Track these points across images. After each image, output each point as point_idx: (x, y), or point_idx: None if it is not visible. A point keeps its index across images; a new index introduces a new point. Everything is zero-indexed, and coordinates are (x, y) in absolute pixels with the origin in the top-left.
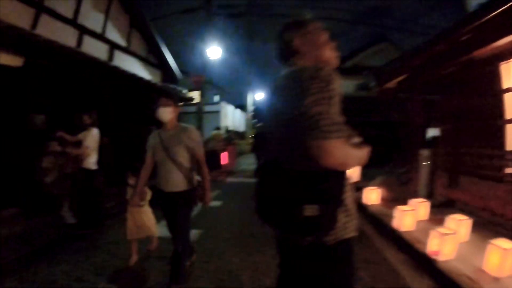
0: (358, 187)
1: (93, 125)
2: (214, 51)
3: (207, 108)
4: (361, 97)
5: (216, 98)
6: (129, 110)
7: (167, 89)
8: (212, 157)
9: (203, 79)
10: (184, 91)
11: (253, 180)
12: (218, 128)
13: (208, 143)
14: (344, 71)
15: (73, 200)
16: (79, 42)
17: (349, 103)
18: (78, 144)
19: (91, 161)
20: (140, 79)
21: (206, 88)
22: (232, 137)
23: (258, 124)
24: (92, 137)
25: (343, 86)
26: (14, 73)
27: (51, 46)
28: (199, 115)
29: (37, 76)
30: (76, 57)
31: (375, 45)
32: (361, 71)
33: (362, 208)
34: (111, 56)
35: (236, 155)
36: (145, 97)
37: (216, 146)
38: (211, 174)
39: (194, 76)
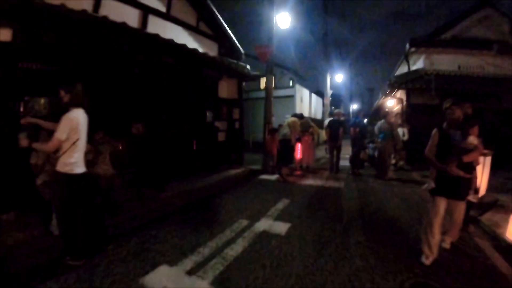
0: (485, 205)
1: (74, 104)
2: (283, 20)
3: (280, 92)
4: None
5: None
6: (173, 89)
7: (225, 62)
8: (284, 148)
9: (271, 51)
10: (248, 67)
11: (338, 184)
12: (295, 116)
13: (280, 131)
14: (442, 43)
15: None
16: (96, 6)
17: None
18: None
19: (69, 161)
20: (181, 47)
21: (280, 73)
22: (310, 124)
23: (336, 110)
24: (68, 123)
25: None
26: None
27: (45, 10)
28: (266, 99)
29: (37, 49)
30: (85, 21)
31: (477, 12)
32: (462, 44)
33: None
34: (144, 23)
35: (314, 147)
36: (194, 72)
37: (290, 135)
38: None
39: (259, 47)
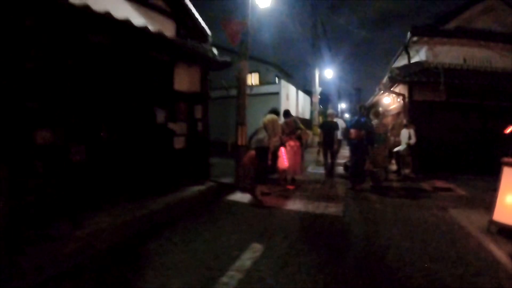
0: None
1: None
2: None
3: (263, 89)
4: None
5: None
6: (104, 79)
7: (177, 42)
8: (262, 159)
9: (244, 29)
10: (214, 50)
11: (335, 210)
12: (274, 112)
13: (255, 136)
14: (447, 33)
15: None
16: None
17: (460, 77)
18: None
19: None
20: (102, 16)
21: (265, 69)
22: (298, 124)
23: (329, 111)
24: None
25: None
26: None
27: None
28: (239, 93)
29: None
30: None
31: (480, 2)
32: (468, 35)
33: None
34: None
35: (302, 155)
36: (136, 56)
37: (269, 141)
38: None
39: (227, 23)
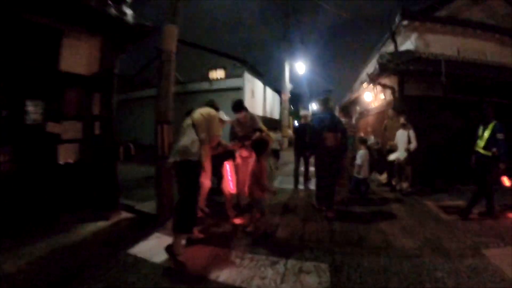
0: None
1: None
2: None
3: (224, 83)
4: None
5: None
6: None
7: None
8: (189, 181)
9: None
10: (129, 12)
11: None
12: (210, 105)
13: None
14: (439, 20)
15: None
16: None
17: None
18: None
19: None
20: None
21: (232, 65)
22: (256, 124)
23: (302, 112)
24: None
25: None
26: None
27: None
28: (161, 78)
29: None
30: None
31: None
32: (463, 24)
33: None
34: None
35: (264, 170)
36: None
37: (202, 149)
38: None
39: None
